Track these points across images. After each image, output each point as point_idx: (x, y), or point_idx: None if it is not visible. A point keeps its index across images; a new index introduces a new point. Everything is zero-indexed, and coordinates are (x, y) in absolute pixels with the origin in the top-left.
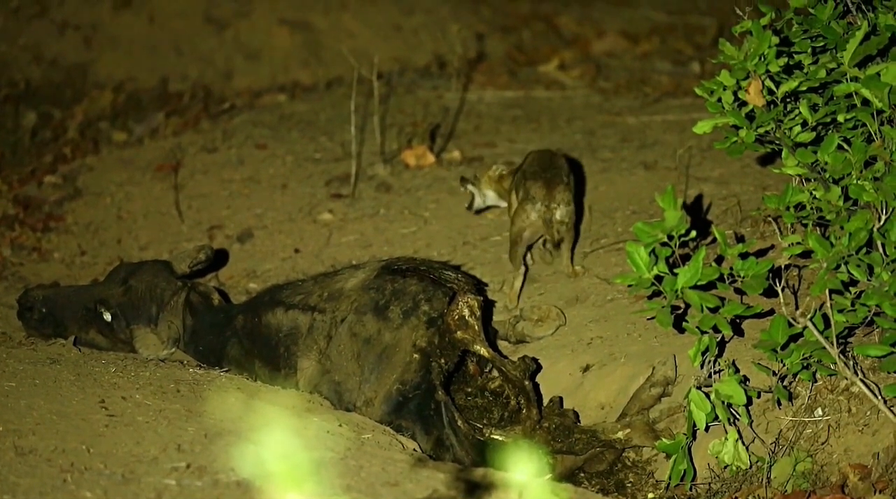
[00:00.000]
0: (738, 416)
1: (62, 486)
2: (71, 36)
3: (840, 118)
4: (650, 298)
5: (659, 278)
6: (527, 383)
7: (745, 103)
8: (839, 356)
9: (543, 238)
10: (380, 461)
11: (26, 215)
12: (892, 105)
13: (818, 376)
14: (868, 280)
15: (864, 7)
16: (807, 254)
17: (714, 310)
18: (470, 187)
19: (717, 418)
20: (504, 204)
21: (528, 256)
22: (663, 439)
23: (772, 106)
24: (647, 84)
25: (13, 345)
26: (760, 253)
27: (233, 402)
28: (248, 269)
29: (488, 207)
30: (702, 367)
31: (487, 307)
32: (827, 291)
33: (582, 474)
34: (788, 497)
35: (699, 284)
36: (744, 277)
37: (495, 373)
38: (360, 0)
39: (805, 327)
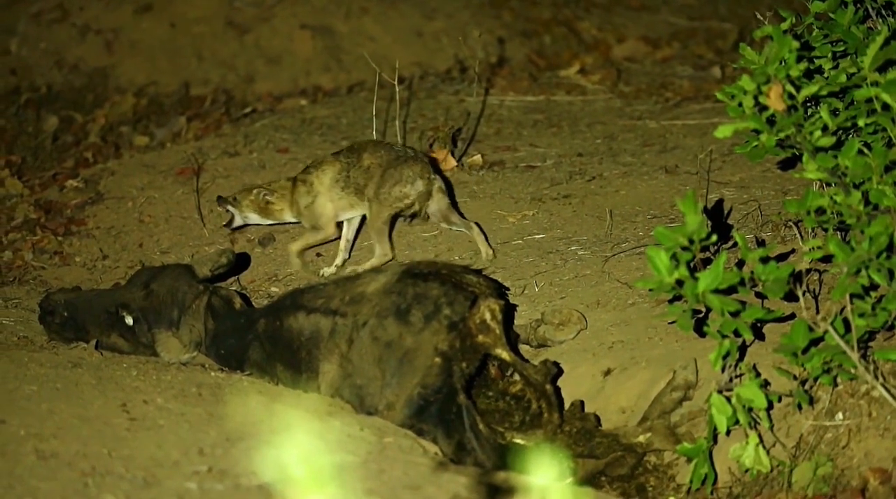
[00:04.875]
0: (758, 420)
1: (83, 490)
2: (92, 40)
3: (860, 123)
4: (671, 302)
5: (680, 282)
6: (548, 386)
7: (765, 108)
8: (860, 361)
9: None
10: (401, 465)
11: (48, 219)
12: None
13: (839, 380)
14: (888, 285)
15: (884, 12)
16: (827, 258)
17: (735, 314)
18: (229, 208)
19: (737, 422)
20: (268, 222)
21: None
22: (684, 443)
23: (792, 110)
24: (668, 89)
25: (35, 349)
26: (781, 257)
27: (254, 405)
28: (269, 273)
29: (247, 225)
30: (723, 371)
31: (509, 311)
32: (847, 296)
33: (603, 478)
34: None
35: (720, 288)
36: (764, 282)
37: (517, 377)
38: (382, 5)
39: (826, 332)
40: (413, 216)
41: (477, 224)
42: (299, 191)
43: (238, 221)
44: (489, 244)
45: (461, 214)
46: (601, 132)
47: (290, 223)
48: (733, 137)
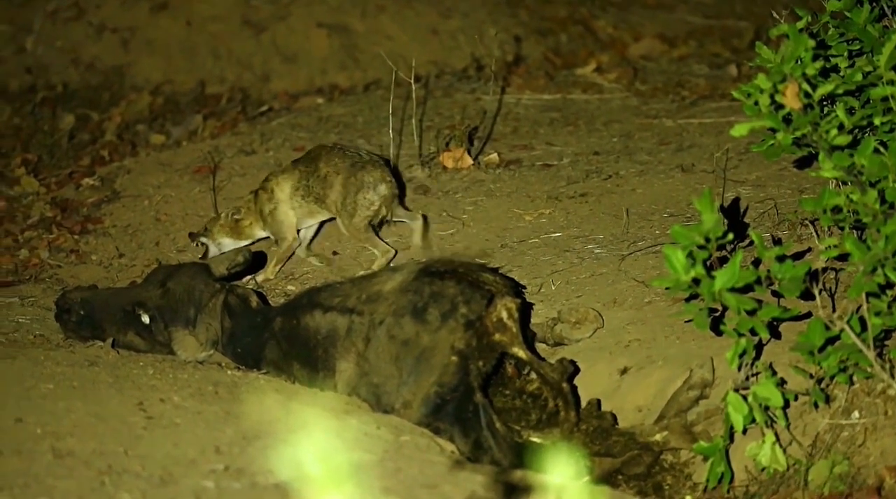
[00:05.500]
0: (775, 418)
1: (100, 488)
2: (108, 39)
3: (876, 121)
4: (688, 300)
5: (696, 281)
6: (565, 385)
7: (781, 106)
8: (876, 359)
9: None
10: (418, 464)
11: (64, 218)
12: None
13: (855, 378)
14: None
15: None
16: (843, 257)
17: (751, 312)
18: (202, 241)
19: (754, 420)
20: (243, 243)
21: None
22: (701, 442)
23: (808, 109)
24: (684, 87)
25: (51, 347)
26: (797, 256)
27: (271, 404)
28: (286, 271)
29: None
30: (739, 369)
31: (525, 310)
32: (864, 294)
33: (620, 477)
34: None
35: (736, 286)
36: (781, 280)
37: (533, 375)
38: (398, 3)
39: (842, 330)
40: (381, 223)
41: (424, 216)
42: (261, 199)
43: (213, 250)
44: (428, 238)
45: (406, 207)
46: (617, 131)
47: (264, 239)
48: (749, 135)
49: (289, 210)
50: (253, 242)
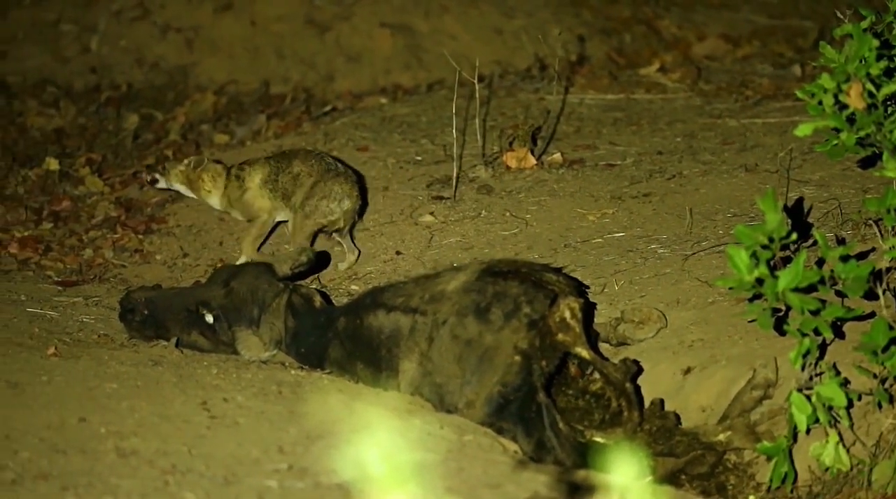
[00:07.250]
0: (838, 418)
1: (163, 488)
2: (173, 38)
3: None
4: (751, 300)
5: (760, 281)
6: (628, 385)
7: (845, 106)
8: None
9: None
10: (481, 463)
11: (128, 217)
12: None
13: None
14: None
15: None
16: None
17: (815, 312)
18: (156, 176)
19: (817, 420)
20: (192, 195)
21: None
22: (764, 442)
23: (872, 109)
24: (748, 87)
25: (115, 347)
26: (861, 256)
27: (334, 404)
28: (349, 271)
29: (170, 190)
30: (803, 369)
31: (588, 309)
32: None
33: (683, 477)
34: None
35: (800, 286)
36: (844, 280)
37: (596, 375)
38: (462, 3)
39: None
40: (336, 231)
41: (359, 250)
42: (232, 185)
43: (162, 184)
44: (355, 258)
45: (353, 236)
46: (681, 130)
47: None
48: (813, 135)
49: (257, 197)
50: (203, 203)
